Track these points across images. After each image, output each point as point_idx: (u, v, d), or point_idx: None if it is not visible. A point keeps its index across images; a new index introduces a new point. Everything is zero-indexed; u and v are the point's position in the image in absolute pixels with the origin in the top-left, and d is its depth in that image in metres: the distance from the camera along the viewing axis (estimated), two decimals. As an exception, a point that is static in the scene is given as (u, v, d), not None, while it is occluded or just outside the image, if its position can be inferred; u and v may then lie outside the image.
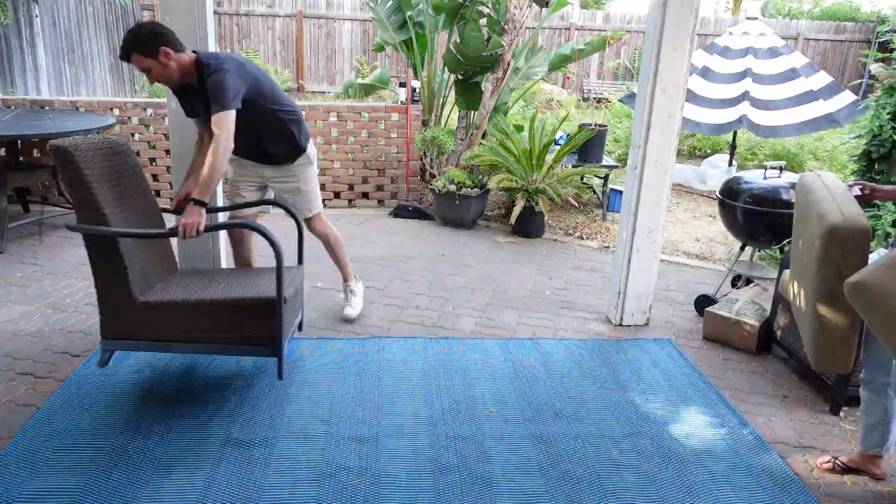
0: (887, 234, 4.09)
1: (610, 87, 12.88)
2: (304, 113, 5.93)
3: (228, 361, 3.26)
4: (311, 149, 3.43)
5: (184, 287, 2.81)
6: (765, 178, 3.96)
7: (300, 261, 3.35)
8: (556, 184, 5.57)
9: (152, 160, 5.85)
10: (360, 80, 7.37)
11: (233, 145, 2.76)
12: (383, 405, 2.95)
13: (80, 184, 2.55)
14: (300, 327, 3.32)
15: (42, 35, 7.50)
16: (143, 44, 2.74)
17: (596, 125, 6.28)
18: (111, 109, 5.65)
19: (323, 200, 6.23)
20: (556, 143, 6.25)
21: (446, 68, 6.38)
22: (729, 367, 3.49)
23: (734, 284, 4.52)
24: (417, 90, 6.11)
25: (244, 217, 3.46)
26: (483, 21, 6.35)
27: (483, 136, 6.32)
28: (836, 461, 2.65)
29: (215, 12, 11.74)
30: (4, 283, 4.06)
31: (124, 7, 9.82)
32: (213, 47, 3.31)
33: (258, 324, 2.68)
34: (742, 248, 4.21)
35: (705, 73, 6.95)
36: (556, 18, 12.62)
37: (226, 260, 3.84)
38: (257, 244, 3.57)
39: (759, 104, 6.43)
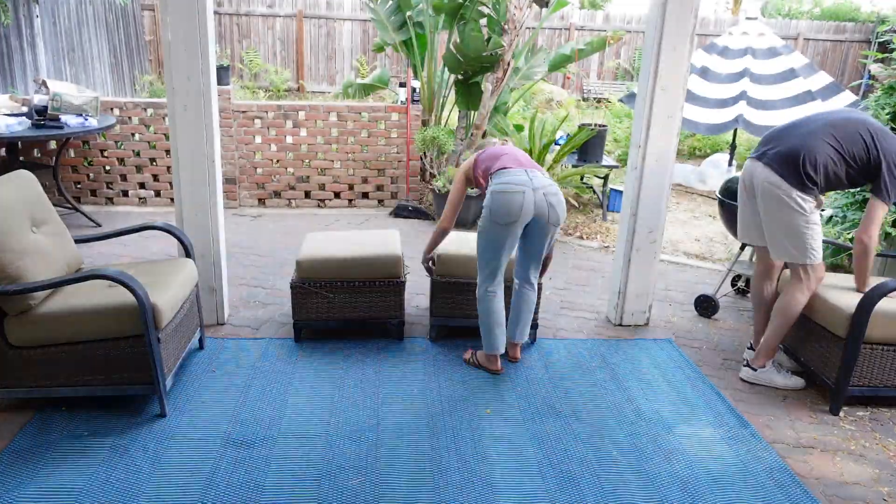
0: (887, 234, 4.10)
1: (610, 87, 12.87)
2: (302, 113, 5.99)
3: (227, 362, 3.26)
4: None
5: None
6: (765, 178, 3.96)
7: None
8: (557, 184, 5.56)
9: (153, 160, 5.85)
10: (359, 81, 7.36)
11: None
12: (383, 405, 2.95)
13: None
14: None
15: (42, 35, 7.49)
16: None
17: (596, 125, 6.28)
18: (112, 109, 5.65)
19: (323, 200, 6.29)
20: (556, 143, 6.26)
21: (446, 68, 6.38)
22: (729, 367, 3.49)
23: (734, 284, 4.52)
24: (417, 90, 6.11)
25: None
26: (483, 21, 6.34)
27: (483, 136, 6.32)
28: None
29: (215, 12, 11.75)
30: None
31: (124, 7, 9.82)
32: (212, 47, 3.31)
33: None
34: (742, 248, 4.21)
35: (704, 73, 6.96)
36: (555, 18, 12.62)
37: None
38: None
39: (755, 104, 6.44)
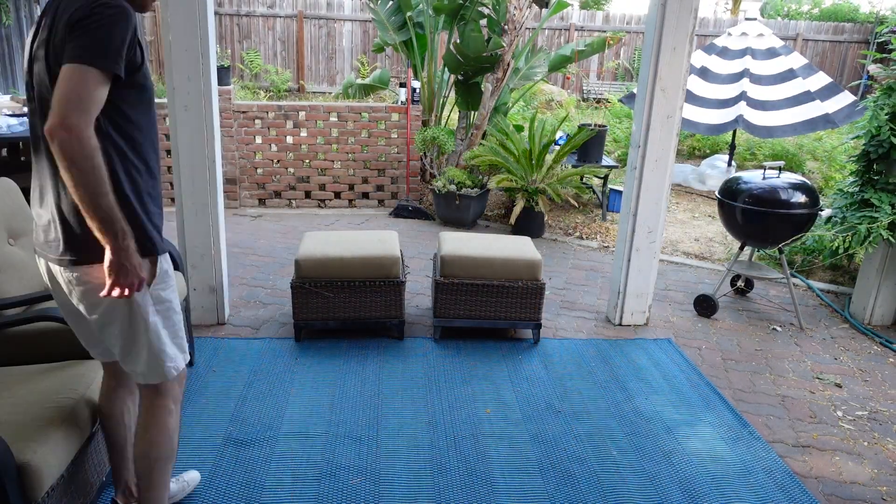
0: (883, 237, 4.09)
1: (610, 88, 12.88)
2: (302, 113, 5.98)
3: (228, 362, 3.26)
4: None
5: None
6: (764, 178, 3.97)
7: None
8: (556, 184, 5.57)
9: (152, 160, 5.85)
10: (360, 81, 7.37)
11: (93, 145, 1.53)
12: (383, 405, 2.95)
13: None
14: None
15: (42, 35, 7.50)
16: None
17: (595, 125, 6.28)
18: (111, 110, 5.65)
19: (323, 200, 6.29)
20: (555, 144, 6.26)
21: (446, 68, 6.39)
22: (729, 367, 3.49)
23: (733, 284, 4.53)
24: (417, 90, 6.12)
25: None
26: (483, 21, 6.35)
27: (483, 137, 6.32)
28: None
29: (216, 13, 11.74)
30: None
31: (124, 7, 9.82)
32: (213, 47, 3.31)
33: None
34: (741, 248, 4.22)
35: (703, 73, 6.97)
36: (555, 19, 12.62)
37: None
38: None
39: (755, 104, 6.44)
